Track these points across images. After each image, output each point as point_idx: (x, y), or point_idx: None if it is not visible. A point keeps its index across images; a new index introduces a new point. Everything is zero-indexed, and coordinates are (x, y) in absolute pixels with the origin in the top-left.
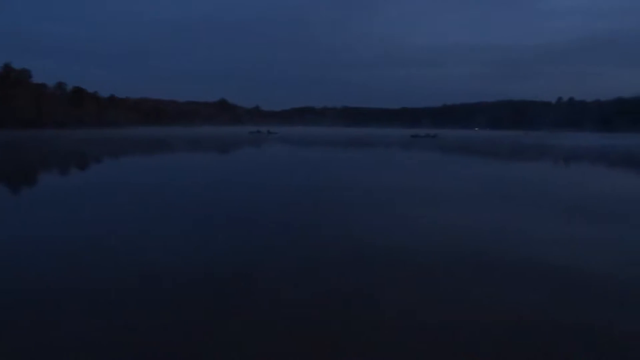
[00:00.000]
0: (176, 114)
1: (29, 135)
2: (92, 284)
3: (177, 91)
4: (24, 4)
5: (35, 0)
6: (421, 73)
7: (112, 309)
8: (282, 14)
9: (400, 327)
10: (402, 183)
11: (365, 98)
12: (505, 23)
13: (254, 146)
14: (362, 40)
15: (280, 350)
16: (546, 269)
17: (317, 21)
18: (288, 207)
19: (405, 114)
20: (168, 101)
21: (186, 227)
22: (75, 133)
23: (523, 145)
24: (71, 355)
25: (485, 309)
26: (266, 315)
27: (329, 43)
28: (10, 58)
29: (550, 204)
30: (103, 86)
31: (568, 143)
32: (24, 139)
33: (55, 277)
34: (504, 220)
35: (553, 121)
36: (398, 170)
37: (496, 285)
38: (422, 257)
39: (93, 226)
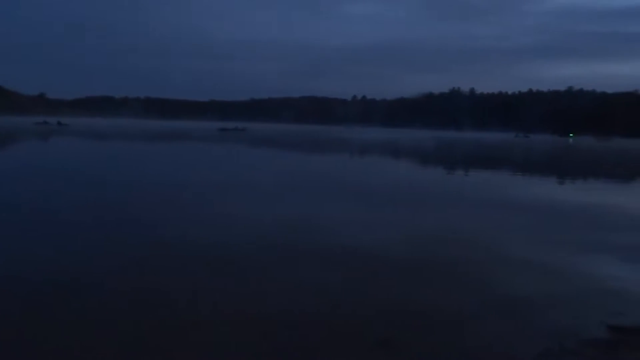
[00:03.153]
0: None
1: None
2: None
3: None
4: None
5: None
6: (229, 67)
7: None
8: None
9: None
10: (200, 178)
11: (171, 89)
12: (310, 24)
13: (41, 140)
14: (166, 29)
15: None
16: (344, 250)
17: (117, 5)
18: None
19: (214, 107)
20: None
21: None
22: None
23: (321, 138)
24: None
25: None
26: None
27: (128, 29)
28: None
29: (346, 192)
30: None
31: (357, 137)
32: None
33: None
34: (306, 209)
35: (350, 116)
36: (199, 165)
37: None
38: (220, 250)
39: None
